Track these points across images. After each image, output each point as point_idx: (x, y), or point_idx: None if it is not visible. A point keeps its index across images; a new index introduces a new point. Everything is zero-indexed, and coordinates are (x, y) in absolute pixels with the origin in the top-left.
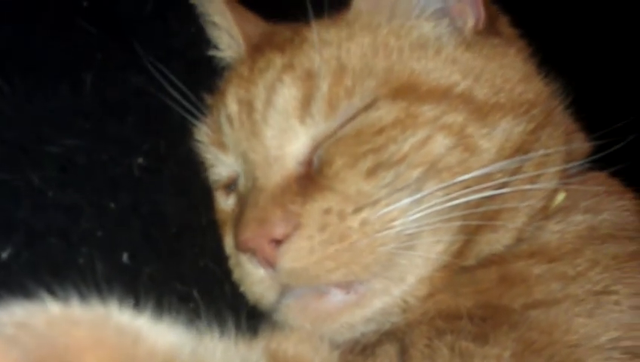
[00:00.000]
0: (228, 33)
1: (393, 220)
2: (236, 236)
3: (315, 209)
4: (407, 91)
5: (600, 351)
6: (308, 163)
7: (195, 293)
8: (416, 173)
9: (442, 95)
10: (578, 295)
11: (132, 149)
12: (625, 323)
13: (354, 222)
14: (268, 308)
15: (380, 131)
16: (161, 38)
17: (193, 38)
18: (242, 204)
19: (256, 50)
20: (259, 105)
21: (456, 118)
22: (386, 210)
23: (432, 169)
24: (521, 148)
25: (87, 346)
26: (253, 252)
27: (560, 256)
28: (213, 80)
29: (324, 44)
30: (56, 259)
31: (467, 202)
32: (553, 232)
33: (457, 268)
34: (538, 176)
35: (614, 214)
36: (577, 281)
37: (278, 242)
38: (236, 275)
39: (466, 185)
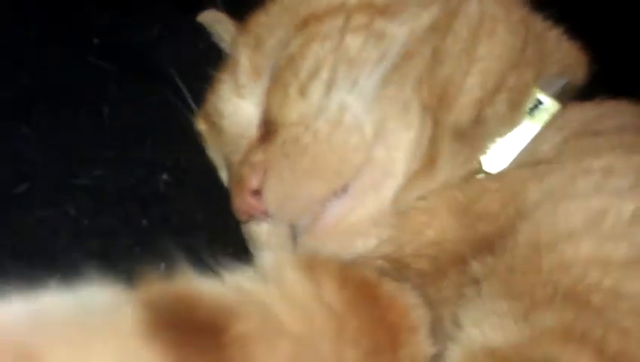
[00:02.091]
0: None
1: (341, 117)
2: (233, 211)
3: (274, 149)
4: (309, 21)
5: (596, 233)
6: (265, 121)
7: None
8: (341, 72)
9: (339, 9)
10: (554, 186)
11: (155, 168)
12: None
13: (307, 137)
14: None
15: (293, 58)
16: (169, 59)
17: (201, 54)
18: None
19: None
20: (220, 107)
21: (359, 20)
22: (330, 111)
23: (354, 63)
24: (438, 27)
25: None
26: (247, 213)
27: (544, 160)
28: None
29: (246, 30)
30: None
31: (401, 73)
32: (549, 142)
33: (453, 187)
34: (469, 47)
35: (614, 121)
36: (554, 173)
37: (258, 192)
38: (255, 245)
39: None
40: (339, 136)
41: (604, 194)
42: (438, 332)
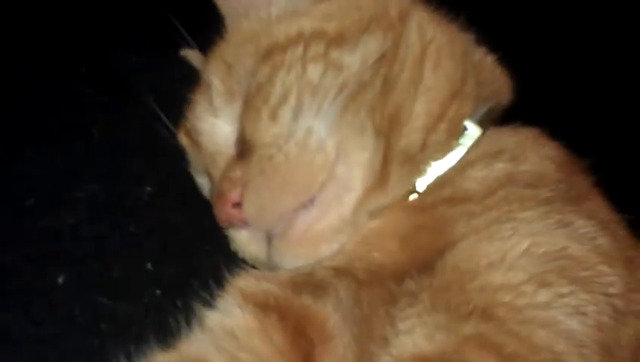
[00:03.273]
0: None
1: (308, 140)
2: (217, 219)
3: (251, 166)
4: (272, 50)
5: (504, 266)
6: (240, 140)
7: (211, 282)
8: (306, 100)
9: (296, 40)
10: (479, 226)
11: (140, 181)
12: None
13: (280, 157)
14: (265, 264)
15: (262, 85)
16: (148, 85)
17: (177, 80)
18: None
19: None
20: (198, 126)
21: (315, 49)
22: (298, 135)
23: (317, 91)
24: (385, 56)
25: None
26: (229, 221)
27: (473, 197)
28: None
29: (215, 58)
30: (98, 276)
31: (356, 101)
32: (475, 179)
33: (399, 207)
34: (415, 76)
35: (536, 164)
36: (482, 216)
37: (238, 204)
38: (234, 249)
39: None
40: (306, 157)
41: (514, 236)
42: (370, 332)
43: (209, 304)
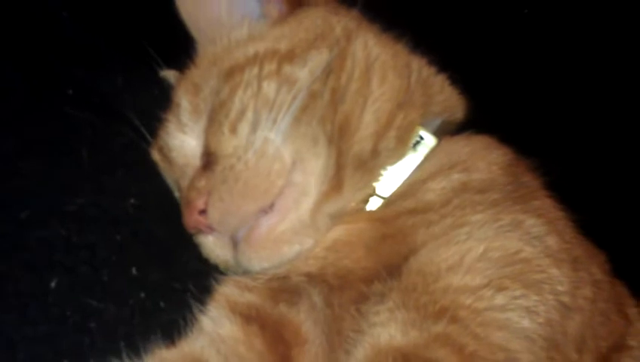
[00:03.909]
0: None
1: (265, 150)
2: (184, 226)
3: (214, 176)
4: (233, 71)
5: (463, 269)
6: (206, 153)
7: (191, 286)
8: (263, 114)
9: (253, 59)
10: (438, 233)
11: (125, 194)
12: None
13: (240, 166)
14: (234, 267)
15: (224, 102)
16: (131, 105)
17: (157, 99)
18: None
19: None
20: (168, 142)
21: (269, 67)
22: (256, 145)
23: (272, 105)
24: (332, 69)
25: None
26: (196, 228)
27: (432, 207)
28: None
29: (184, 81)
30: (88, 281)
31: (307, 112)
32: (435, 190)
33: (355, 212)
34: (363, 88)
35: (486, 172)
36: (439, 223)
37: (204, 211)
38: (205, 254)
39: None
40: (264, 165)
41: (470, 240)
42: (340, 331)
43: (190, 305)
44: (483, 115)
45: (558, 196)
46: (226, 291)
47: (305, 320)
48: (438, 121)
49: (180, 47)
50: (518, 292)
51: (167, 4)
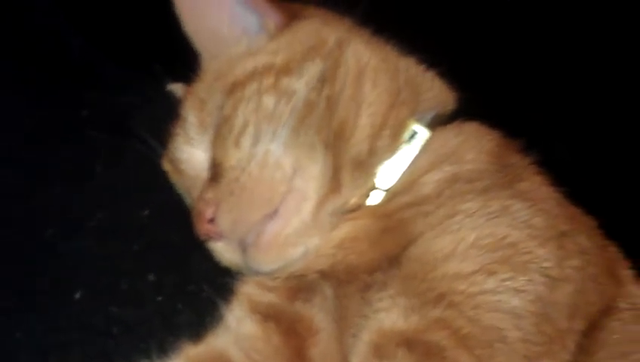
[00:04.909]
0: None
1: (267, 161)
2: (197, 234)
3: (221, 187)
4: (235, 87)
5: (457, 257)
6: (212, 165)
7: (205, 287)
8: (263, 127)
9: (252, 75)
10: (434, 222)
11: (139, 205)
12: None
13: (244, 177)
14: (244, 269)
15: (228, 117)
16: (144, 121)
17: (168, 115)
18: None
19: None
20: (177, 155)
21: (268, 81)
22: (258, 157)
23: (272, 118)
24: (326, 78)
25: None
26: (207, 235)
27: (428, 199)
28: None
29: (190, 95)
30: (109, 289)
31: (305, 122)
32: (429, 183)
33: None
34: (356, 94)
35: (474, 161)
36: (434, 213)
37: (213, 220)
38: (216, 258)
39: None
40: (266, 175)
41: (462, 229)
42: (348, 318)
43: (205, 305)
44: (475, 104)
45: (548, 171)
46: (249, 291)
47: (317, 313)
48: (431, 115)
49: (185, 59)
50: (506, 275)
51: (173, 19)
